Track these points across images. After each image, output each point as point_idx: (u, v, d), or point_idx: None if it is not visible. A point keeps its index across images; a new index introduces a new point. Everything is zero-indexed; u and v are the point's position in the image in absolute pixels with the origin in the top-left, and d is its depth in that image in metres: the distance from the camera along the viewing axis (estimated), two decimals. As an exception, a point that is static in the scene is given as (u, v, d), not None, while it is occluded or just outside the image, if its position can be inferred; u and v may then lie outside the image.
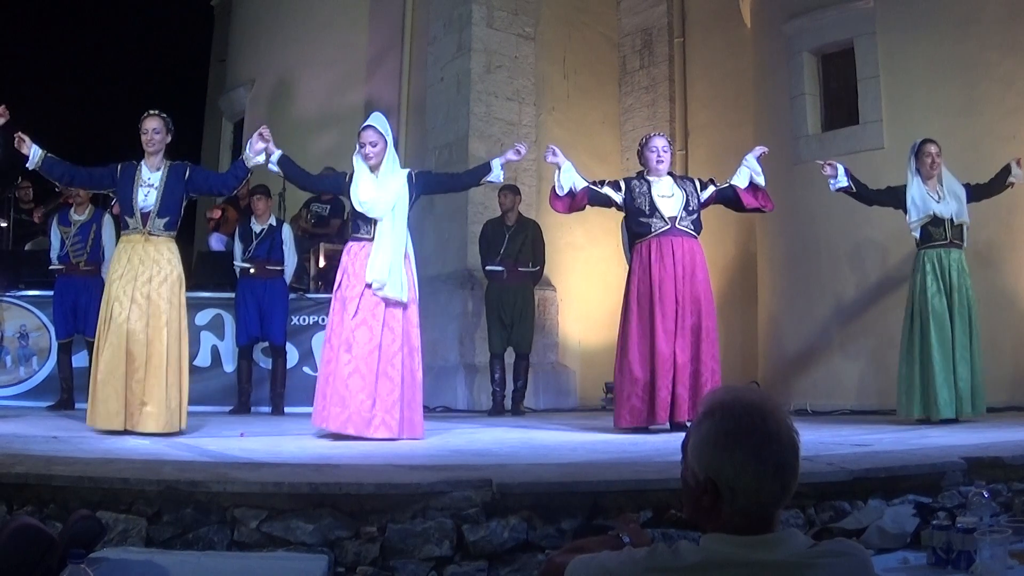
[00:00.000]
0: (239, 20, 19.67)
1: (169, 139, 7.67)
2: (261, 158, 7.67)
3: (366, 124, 7.64)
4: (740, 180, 8.27)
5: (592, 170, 13.88)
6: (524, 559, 4.39)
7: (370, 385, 7.24)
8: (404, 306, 7.47)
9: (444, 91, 13.18)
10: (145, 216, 7.46)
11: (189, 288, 11.31)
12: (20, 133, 7.32)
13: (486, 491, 4.52)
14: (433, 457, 5.99)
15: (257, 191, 11.08)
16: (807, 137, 11.24)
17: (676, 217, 7.99)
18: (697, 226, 8.10)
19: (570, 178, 8.16)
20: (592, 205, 8.37)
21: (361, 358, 7.28)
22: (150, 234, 7.49)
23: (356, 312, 7.36)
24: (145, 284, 7.36)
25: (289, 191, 12.91)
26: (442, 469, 5.04)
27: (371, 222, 7.49)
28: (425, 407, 11.17)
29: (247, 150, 7.67)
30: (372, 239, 7.46)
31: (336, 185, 7.98)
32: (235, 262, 11.03)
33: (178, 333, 7.50)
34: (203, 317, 11.35)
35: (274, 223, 11.01)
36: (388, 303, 7.37)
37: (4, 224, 13.03)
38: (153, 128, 7.56)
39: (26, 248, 12.84)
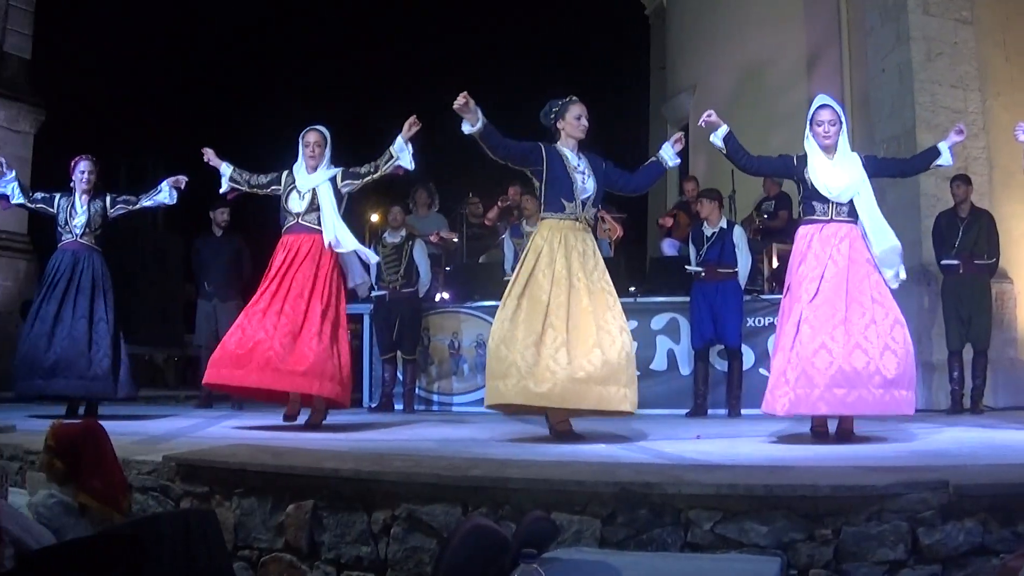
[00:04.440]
0: (675, 27, 19.93)
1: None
2: (678, 161, 7.81)
3: (822, 104, 7.45)
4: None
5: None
6: (977, 563, 4.29)
7: (849, 360, 6.93)
8: (876, 281, 7.19)
9: (886, 83, 12.86)
10: (584, 203, 7.58)
11: (643, 293, 11.53)
12: (465, 95, 7.47)
13: (942, 493, 4.43)
14: (888, 458, 5.86)
15: (705, 194, 11.18)
16: None
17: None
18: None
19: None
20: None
21: (826, 334, 7.01)
22: (581, 221, 7.60)
23: (816, 293, 7.16)
24: (578, 271, 7.40)
25: (740, 193, 12.98)
26: (898, 471, 4.94)
27: (825, 203, 7.30)
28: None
29: (668, 150, 7.74)
30: (829, 220, 7.28)
31: (784, 167, 7.71)
32: (688, 267, 11.10)
33: (607, 313, 7.43)
34: (658, 321, 11.59)
35: (724, 226, 10.99)
36: (871, 280, 7.15)
37: (456, 239, 13.77)
38: (585, 115, 7.68)
39: (480, 261, 13.54)
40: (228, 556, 4.65)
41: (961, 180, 10.94)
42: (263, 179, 8.81)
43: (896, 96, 12.61)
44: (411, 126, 8.36)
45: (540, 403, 7.26)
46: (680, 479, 4.77)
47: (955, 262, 10.84)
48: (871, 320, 7.00)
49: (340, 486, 5.21)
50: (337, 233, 8.48)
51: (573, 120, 7.66)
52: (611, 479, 4.81)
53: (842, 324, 7.02)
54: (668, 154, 7.74)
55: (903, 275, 7.29)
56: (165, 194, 9.58)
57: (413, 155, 8.46)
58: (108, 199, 9.71)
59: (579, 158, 7.68)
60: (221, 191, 8.95)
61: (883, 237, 7.22)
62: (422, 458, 5.76)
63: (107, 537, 3.77)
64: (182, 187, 9.57)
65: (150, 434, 7.54)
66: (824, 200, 7.33)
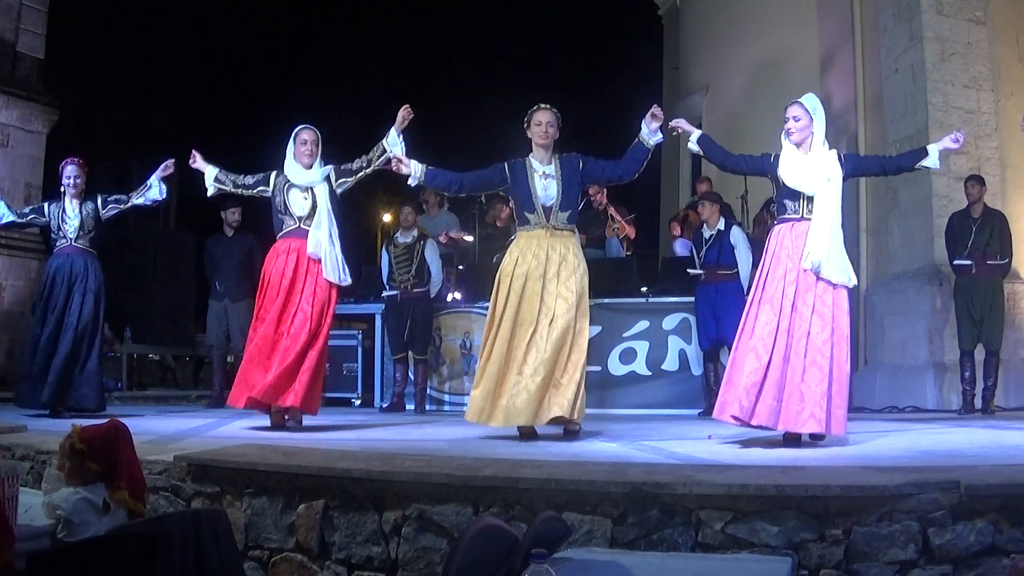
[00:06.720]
0: (688, 27, 19.94)
1: (557, 135, 7.72)
2: (658, 137, 7.61)
3: (791, 101, 7.29)
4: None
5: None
6: (988, 563, 4.29)
7: (776, 373, 6.83)
8: (835, 291, 6.96)
9: (900, 83, 12.85)
10: (548, 210, 7.55)
11: (655, 293, 11.55)
12: (398, 156, 7.87)
13: (953, 493, 4.44)
14: (900, 459, 5.85)
15: (707, 197, 11.16)
16: None
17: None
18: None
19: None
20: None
21: (760, 341, 6.91)
22: (555, 228, 7.56)
23: (762, 294, 7.06)
24: (552, 279, 7.43)
25: (752, 193, 12.99)
26: (909, 471, 4.93)
27: (799, 200, 7.10)
28: (894, 407, 10.92)
29: (644, 129, 7.57)
30: (800, 218, 7.06)
31: (760, 165, 7.46)
32: (690, 269, 11.14)
33: (585, 325, 7.53)
34: (670, 322, 11.62)
35: (722, 227, 11.03)
36: (818, 289, 6.92)
37: (470, 238, 13.77)
38: (547, 121, 7.65)
39: (493, 260, 13.55)
40: (239, 556, 4.65)
41: (975, 180, 10.94)
42: (249, 180, 8.67)
43: (909, 96, 12.61)
44: (404, 118, 8.25)
45: (502, 424, 7.45)
46: (691, 479, 4.77)
47: (967, 262, 10.84)
48: (805, 333, 6.86)
49: (351, 486, 5.23)
50: (322, 248, 8.37)
51: (535, 127, 7.69)
52: (622, 479, 4.81)
53: (775, 333, 6.91)
54: (644, 132, 7.61)
55: (842, 279, 7.01)
56: (156, 190, 9.55)
57: (407, 150, 8.21)
58: (100, 200, 9.76)
59: (549, 164, 7.67)
60: (208, 195, 8.85)
61: (819, 242, 6.94)
62: (433, 458, 5.77)
63: (119, 537, 3.78)
64: (171, 172, 9.53)
65: (161, 434, 7.54)
66: (795, 198, 7.15)
